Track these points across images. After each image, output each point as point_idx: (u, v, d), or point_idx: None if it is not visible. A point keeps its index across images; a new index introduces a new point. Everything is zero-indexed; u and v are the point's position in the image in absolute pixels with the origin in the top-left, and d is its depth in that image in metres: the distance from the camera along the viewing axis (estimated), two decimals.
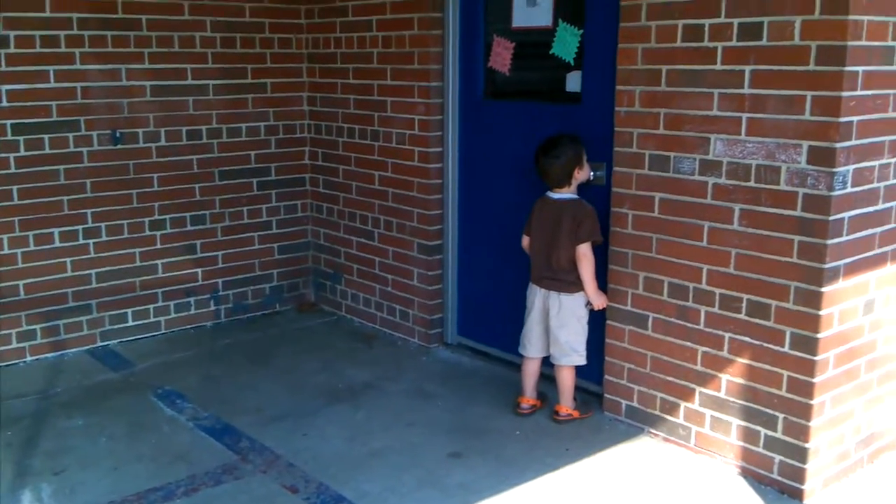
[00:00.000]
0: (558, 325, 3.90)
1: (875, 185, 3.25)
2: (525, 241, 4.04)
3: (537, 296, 3.95)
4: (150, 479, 3.53)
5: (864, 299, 3.36)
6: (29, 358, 4.81)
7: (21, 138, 4.58)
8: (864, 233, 3.26)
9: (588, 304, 3.90)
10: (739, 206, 3.38)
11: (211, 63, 5.13)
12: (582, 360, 3.94)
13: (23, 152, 4.59)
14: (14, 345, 4.75)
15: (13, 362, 4.75)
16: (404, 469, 3.60)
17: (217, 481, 3.51)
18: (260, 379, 4.59)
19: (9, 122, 4.52)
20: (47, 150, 4.67)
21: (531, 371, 4.06)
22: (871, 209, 3.26)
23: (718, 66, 3.34)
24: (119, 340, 5.10)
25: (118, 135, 4.88)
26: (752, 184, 3.32)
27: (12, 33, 4.45)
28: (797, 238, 3.22)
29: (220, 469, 3.61)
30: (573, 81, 4.07)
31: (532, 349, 4.02)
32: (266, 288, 5.63)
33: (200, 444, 3.84)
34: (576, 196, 3.87)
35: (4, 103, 4.50)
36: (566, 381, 3.97)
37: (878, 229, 3.32)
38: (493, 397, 4.29)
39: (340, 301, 5.59)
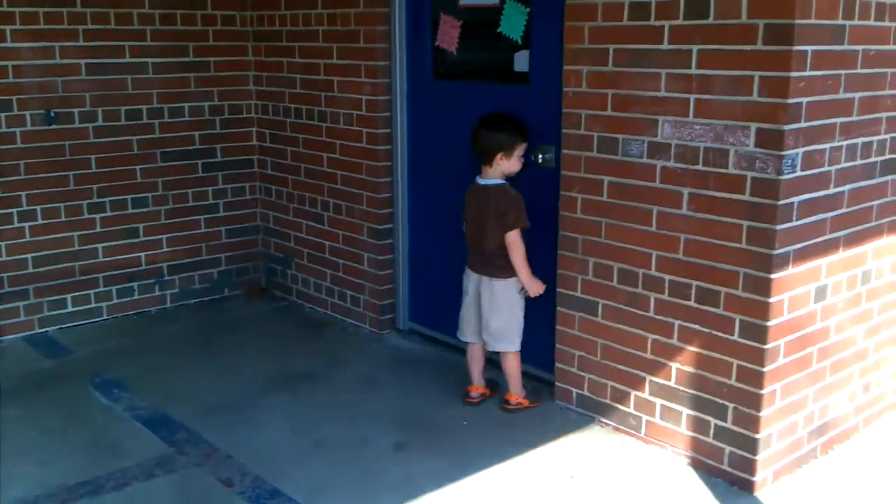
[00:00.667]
0: (489, 311, 3.80)
1: (826, 168, 3.16)
2: (465, 227, 3.92)
3: (471, 281, 3.86)
4: (80, 473, 3.39)
5: (816, 286, 3.28)
6: None
7: None
8: (814, 217, 3.18)
9: (522, 290, 3.79)
10: (688, 190, 3.28)
11: (150, 41, 4.93)
12: (513, 347, 3.83)
13: None
14: None
15: None
16: (346, 462, 3.49)
17: (149, 475, 3.38)
18: (203, 367, 4.44)
19: None
20: None
21: (475, 357, 3.96)
22: (821, 193, 3.18)
23: (665, 46, 3.23)
24: (58, 327, 4.93)
25: (52, 114, 4.68)
26: (700, 167, 3.23)
27: None
28: (746, 223, 3.13)
29: (154, 462, 3.48)
30: (521, 61, 3.94)
31: (468, 333, 3.94)
32: (214, 273, 5.47)
33: (135, 436, 3.70)
34: (502, 182, 3.74)
35: None
36: (511, 367, 3.88)
37: (830, 214, 3.24)
38: (442, 385, 4.18)
39: (291, 286, 5.44)
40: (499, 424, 3.81)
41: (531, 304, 4.08)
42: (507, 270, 3.74)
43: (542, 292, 3.77)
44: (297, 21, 4.90)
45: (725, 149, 3.14)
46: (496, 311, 3.79)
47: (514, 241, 3.68)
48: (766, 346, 3.16)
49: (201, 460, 3.49)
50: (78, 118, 4.78)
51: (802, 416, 3.40)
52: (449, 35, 4.22)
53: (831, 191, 3.21)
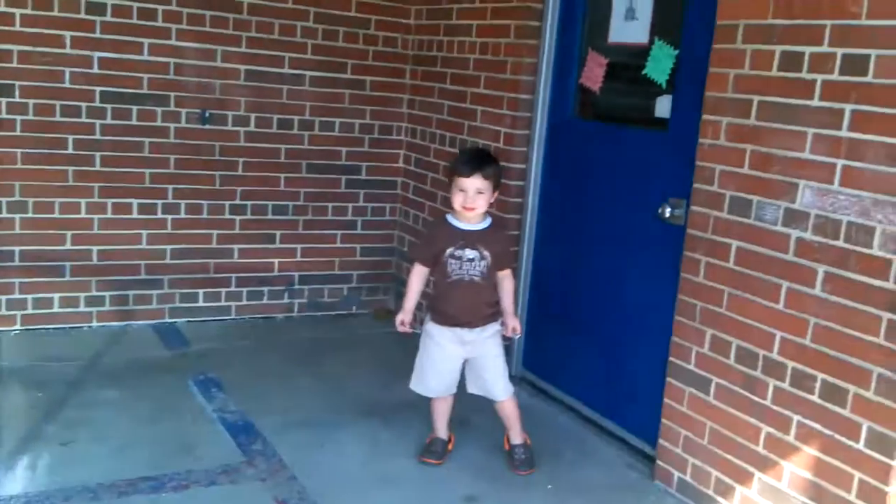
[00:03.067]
0: None
1: None
2: None
3: None
4: (148, 467, 3.39)
5: None
6: (95, 324, 4.84)
7: (109, 106, 4.61)
8: None
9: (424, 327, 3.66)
10: (824, 267, 2.86)
11: (310, 54, 5.01)
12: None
13: (109, 120, 4.63)
14: (82, 308, 4.80)
15: (78, 325, 4.80)
16: None
17: (211, 482, 3.33)
18: (304, 380, 4.40)
19: (98, 88, 4.57)
20: (134, 122, 4.69)
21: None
22: None
23: (815, 102, 2.84)
24: (187, 320, 5.06)
25: (207, 115, 4.84)
26: (840, 243, 2.80)
27: (109, 1, 4.49)
28: (886, 315, 2.68)
29: (220, 469, 3.42)
30: (662, 106, 3.64)
31: None
32: (344, 288, 5.46)
33: (214, 439, 3.68)
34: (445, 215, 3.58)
35: (96, 70, 4.54)
36: None
37: None
38: (537, 442, 3.87)
39: (416, 313, 5.31)
40: (586, 496, 3.47)
41: (642, 369, 3.76)
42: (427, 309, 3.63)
43: (399, 328, 3.58)
44: (452, 48, 4.83)
45: (871, 226, 2.70)
46: None
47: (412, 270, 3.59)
48: (894, 462, 2.67)
49: (266, 476, 3.41)
50: (231, 121, 4.92)
51: None
52: (594, 73, 3.98)
53: None
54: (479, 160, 3.43)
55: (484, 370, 3.58)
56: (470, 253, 3.43)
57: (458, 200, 3.40)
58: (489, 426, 4.01)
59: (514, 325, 3.58)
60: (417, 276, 3.56)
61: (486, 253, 3.44)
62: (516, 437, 3.67)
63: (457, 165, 3.43)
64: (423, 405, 4.19)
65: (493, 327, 3.56)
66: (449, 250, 3.43)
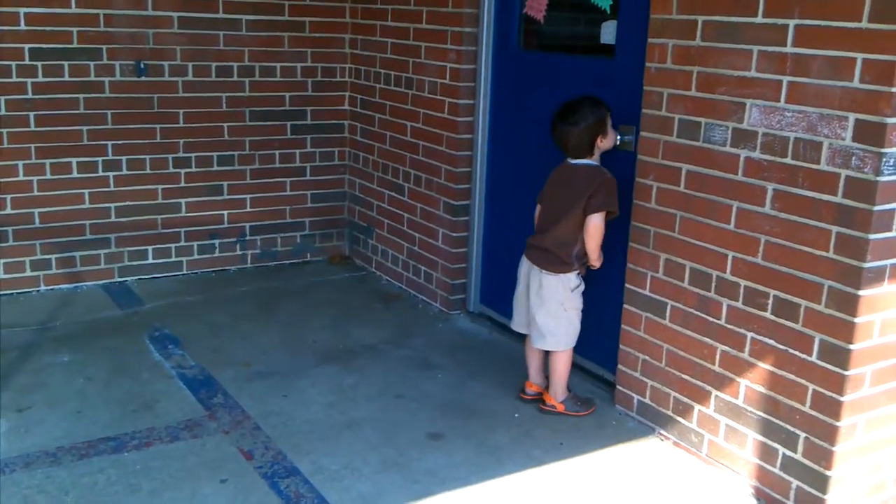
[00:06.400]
0: (537, 305, 3.49)
1: None
2: (538, 210, 3.61)
3: (523, 270, 3.57)
4: (108, 427, 3.35)
5: None
6: (43, 287, 4.73)
7: (39, 63, 4.43)
8: None
9: (577, 287, 3.46)
10: (773, 185, 2.87)
11: None
12: (559, 346, 3.50)
13: (41, 78, 4.46)
14: (28, 273, 4.68)
15: (26, 290, 4.69)
16: (374, 446, 3.30)
17: (174, 437, 3.30)
18: (262, 330, 4.36)
19: (26, 46, 4.39)
20: (67, 78, 4.52)
21: (530, 351, 3.67)
22: None
23: (759, 19, 2.82)
24: (137, 277, 4.97)
25: (142, 66, 4.68)
26: (788, 160, 2.81)
27: None
28: (835, 229, 2.71)
29: (183, 425, 3.39)
30: (607, 33, 3.59)
31: (521, 325, 3.66)
32: (297, 236, 5.39)
33: (174, 395, 3.64)
34: (597, 163, 3.43)
35: (22, 26, 4.36)
36: (555, 366, 3.56)
37: None
38: (500, 376, 3.92)
39: (371, 256, 5.30)
40: (548, 425, 3.51)
41: (601, 298, 3.78)
42: (563, 265, 3.41)
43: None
44: None
45: (818, 141, 2.71)
46: (541, 307, 3.48)
47: (598, 226, 3.36)
48: (847, 372, 2.73)
49: (229, 427, 3.39)
50: (168, 71, 4.77)
51: (891, 454, 2.94)
52: (538, 1, 3.91)
53: None
54: None
55: None
56: None
57: (614, 138, 3.44)
58: (450, 364, 4.04)
59: None
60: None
61: None
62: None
63: (603, 104, 3.39)
64: (384, 348, 4.21)
65: None
66: None
